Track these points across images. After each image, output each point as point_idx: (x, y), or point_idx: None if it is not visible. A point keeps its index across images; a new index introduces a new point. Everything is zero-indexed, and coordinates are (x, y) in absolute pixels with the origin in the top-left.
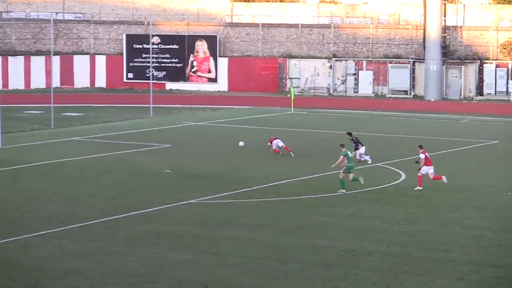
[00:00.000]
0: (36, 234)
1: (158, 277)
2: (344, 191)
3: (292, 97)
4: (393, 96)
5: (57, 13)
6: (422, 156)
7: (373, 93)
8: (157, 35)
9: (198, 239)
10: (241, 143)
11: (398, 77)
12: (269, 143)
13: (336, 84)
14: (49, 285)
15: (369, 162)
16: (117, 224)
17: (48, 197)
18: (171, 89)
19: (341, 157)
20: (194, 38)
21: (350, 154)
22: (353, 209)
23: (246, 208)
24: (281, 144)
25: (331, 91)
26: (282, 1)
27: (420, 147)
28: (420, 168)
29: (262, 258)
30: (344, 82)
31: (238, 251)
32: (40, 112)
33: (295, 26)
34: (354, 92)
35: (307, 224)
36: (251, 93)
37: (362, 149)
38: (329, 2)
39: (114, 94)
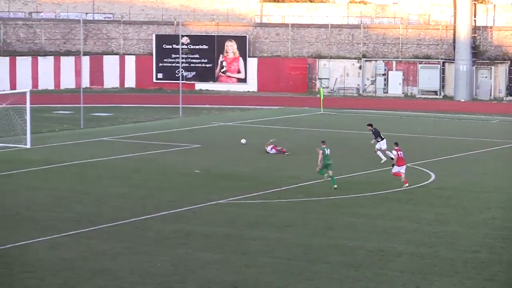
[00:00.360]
0: (65, 234)
1: (187, 277)
2: (336, 186)
3: (322, 98)
4: (423, 96)
5: (87, 13)
6: (394, 153)
7: (403, 93)
8: (186, 36)
9: (227, 239)
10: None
11: (428, 78)
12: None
13: (365, 85)
14: (78, 285)
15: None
16: (147, 224)
17: (77, 197)
18: (200, 90)
19: (320, 152)
20: (223, 39)
21: (327, 152)
22: (383, 210)
23: (276, 208)
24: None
25: (361, 92)
26: (311, 1)
27: (396, 144)
28: (393, 165)
29: (291, 258)
30: (373, 82)
31: (267, 251)
32: (69, 112)
33: (325, 26)
34: (384, 92)
35: (337, 225)
36: (280, 94)
37: (383, 143)
38: (359, 2)
39: (144, 94)
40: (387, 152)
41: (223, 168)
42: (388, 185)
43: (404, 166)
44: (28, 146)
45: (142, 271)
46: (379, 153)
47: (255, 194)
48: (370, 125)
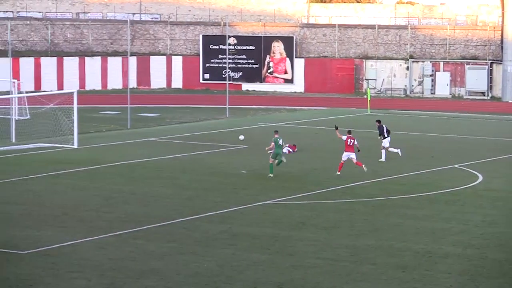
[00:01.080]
0: (112, 234)
1: (233, 277)
2: (271, 175)
3: (369, 98)
4: (470, 97)
5: (134, 14)
6: (344, 137)
7: (450, 94)
8: (233, 36)
9: (274, 240)
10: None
11: (476, 79)
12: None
13: (412, 85)
14: (125, 285)
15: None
16: (193, 225)
17: (124, 197)
18: (247, 90)
19: (272, 143)
20: (270, 39)
21: (279, 142)
22: (430, 211)
23: (322, 209)
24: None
25: (408, 92)
26: (359, 2)
27: (348, 132)
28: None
29: (338, 259)
30: (421, 83)
31: (314, 252)
32: (116, 112)
33: (372, 27)
34: (431, 93)
35: (383, 226)
36: (327, 94)
37: (386, 141)
38: (406, 3)
39: (191, 95)
40: (389, 149)
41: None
42: (435, 186)
43: (353, 153)
44: (75, 146)
45: (189, 271)
46: (383, 151)
47: (302, 195)
48: (378, 121)
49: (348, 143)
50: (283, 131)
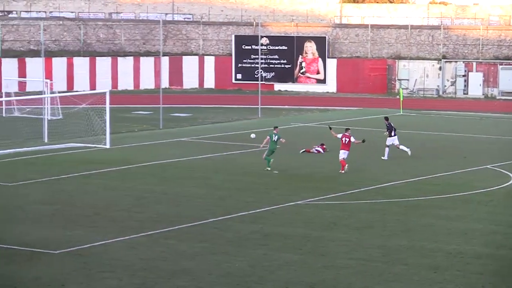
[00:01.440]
0: (144, 234)
1: (265, 277)
2: (269, 168)
3: (401, 99)
4: (503, 98)
5: (166, 14)
6: (339, 136)
7: (483, 94)
8: (265, 36)
9: (305, 240)
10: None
11: (509, 79)
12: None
13: (445, 86)
14: (156, 285)
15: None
16: (225, 225)
17: (156, 197)
18: (279, 90)
19: (267, 137)
20: (303, 39)
21: (274, 138)
22: (462, 211)
23: (354, 209)
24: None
25: (441, 93)
26: (391, 2)
27: (346, 130)
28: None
29: (370, 260)
30: (453, 83)
31: (346, 252)
32: (149, 112)
33: (405, 27)
34: (464, 93)
35: (415, 226)
36: (359, 95)
37: (394, 139)
38: (439, 3)
39: (223, 95)
40: (400, 146)
41: (301, 169)
42: (468, 186)
43: (347, 152)
44: (108, 146)
45: (220, 271)
46: (386, 149)
47: (334, 195)
48: (386, 118)
49: (344, 142)
50: (315, 131)
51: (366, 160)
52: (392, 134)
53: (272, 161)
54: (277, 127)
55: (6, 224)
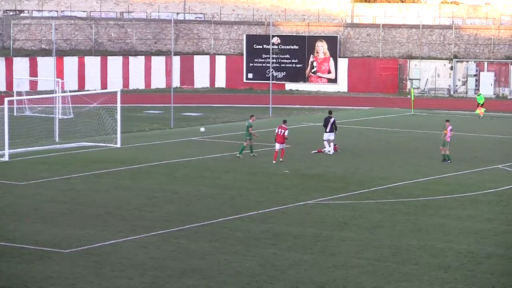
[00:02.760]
0: (154, 233)
1: (275, 277)
2: (240, 156)
3: (412, 98)
4: None
5: (177, 13)
6: (276, 130)
7: (494, 94)
8: (277, 36)
9: (316, 239)
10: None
11: None
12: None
13: (456, 85)
14: (166, 284)
15: (330, 153)
16: (235, 224)
17: (167, 197)
18: (290, 90)
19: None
20: (314, 39)
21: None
22: (473, 211)
23: (364, 209)
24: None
25: (452, 92)
26: (403, 2)
27: (283, 122)
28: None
29: (380, 259)
30: (464, 83)
31: (356, 252)
32: (160, 112)
33: (416, 27)
34: (475, 93)
35: (426, 226)
36: (370, 94)
37: (330, 135)
38: (451, 2)
39: (234, 94)
40: (330, 144)
41: (312, 169)
42: (479, 186)
43: (284, 145)
44: (119, 145)
45: (231, 271)
46: (325, 143)
47: (344, 194)
48: (330, 112)
49: (279, 133)
50: None
51: (377, 160)
52: (327, 129)
53: (243, 149)
54: (253, 115)
55: (18, 223)
